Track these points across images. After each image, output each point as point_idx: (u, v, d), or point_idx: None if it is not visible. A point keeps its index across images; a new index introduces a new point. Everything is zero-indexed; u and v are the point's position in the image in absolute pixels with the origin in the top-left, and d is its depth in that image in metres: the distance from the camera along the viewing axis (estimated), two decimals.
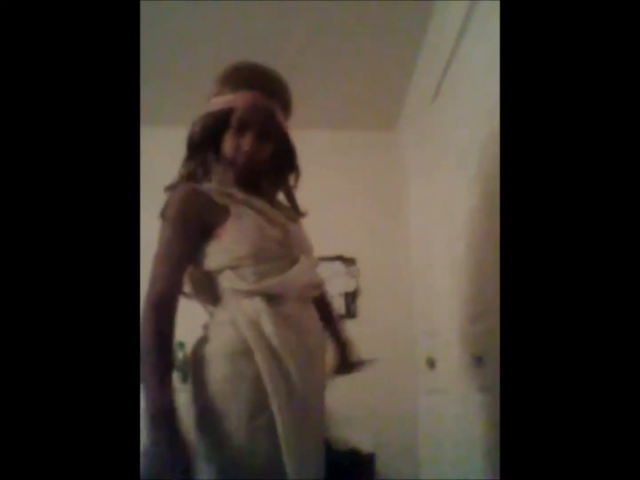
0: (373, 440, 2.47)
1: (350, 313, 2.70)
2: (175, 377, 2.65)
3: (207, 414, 0.93)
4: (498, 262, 0.72)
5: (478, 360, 1.35)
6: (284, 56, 2.27)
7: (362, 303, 2.72)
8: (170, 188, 1.03)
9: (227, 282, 0.99)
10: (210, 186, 1.02)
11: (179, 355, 2.57)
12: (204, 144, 1.03)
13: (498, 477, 0.69)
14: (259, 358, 0.92)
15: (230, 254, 0.97)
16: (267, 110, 1.00)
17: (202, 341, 1.00)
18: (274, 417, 0.90)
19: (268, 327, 0.94)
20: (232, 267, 0.98)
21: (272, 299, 0.97)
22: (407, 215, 2.66)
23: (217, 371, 0.95)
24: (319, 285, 1.10)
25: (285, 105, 1.05)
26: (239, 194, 1.02)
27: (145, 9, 1.26)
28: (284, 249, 1.01)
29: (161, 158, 2.74)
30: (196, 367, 0.97)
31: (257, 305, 0.96)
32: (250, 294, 0.97)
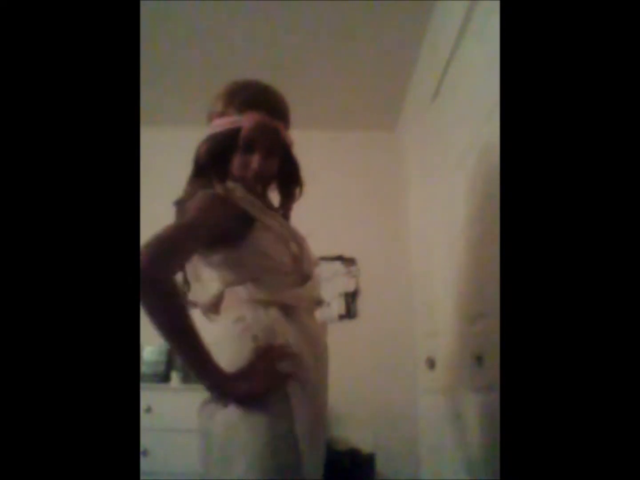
0: (373, 440, 2.48)
1: (350, 313, 2.70)
2: (175, 377, 2.64)
3: (230, 423, 0.93)
4: (498, 262, 0.72)
5: (478, 360, 1.35)
6: (284, 56, 2.28)
7: (362, 303, 2.72)
8: (178, 203, 1.02)
9: (245, 292, 1.00)
10: (238, 194, 1.00)
11: None
12: (211, 164, 1.03)
13: (498, 477, 0.69)
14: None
15: (253, 265, 0.99)
16: (273, 129, 1.03)
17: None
18: (293, 424, 0.91)
19: (285, 335, 0.96)
20: (253, 279, 0.99)
21: (286, 309, 1.00)
22: (407, 215, 2.66)
23: None
24: (321, 300, 1.14)
25: (287, 122, 1.09)
26: (263, 206, 1.03)
27: (145, 9, 1.26)
28: (296, 263, 1.04)
29: (161, 158, 2.75)
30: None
31: (273, 314, 0.98)
32: (267, 304, 0.98)
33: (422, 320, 2.33)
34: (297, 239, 1.07)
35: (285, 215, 1.16)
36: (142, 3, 0.99)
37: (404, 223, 2.70)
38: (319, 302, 1.13)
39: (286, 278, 1.02)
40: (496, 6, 1.12)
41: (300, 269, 1.05)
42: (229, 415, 0.93)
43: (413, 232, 2.56)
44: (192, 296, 1.07)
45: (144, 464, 2.02)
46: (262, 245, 0.99)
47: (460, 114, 1.60)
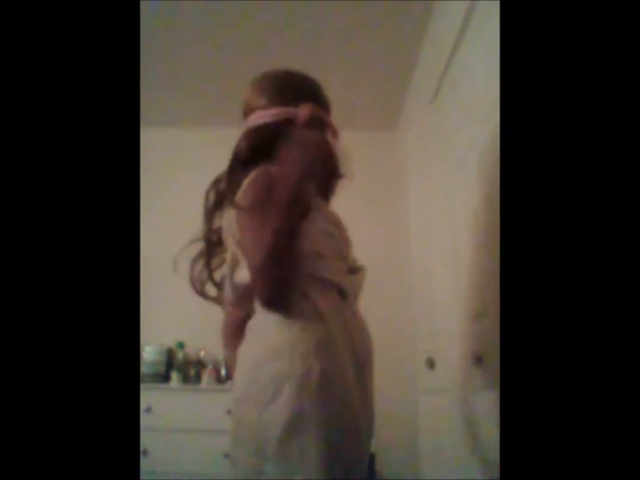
0: (373, 440, 2.48)
1: None
2: (176, 377, 2.63)
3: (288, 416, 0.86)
4: (498, 262, 0.72)
5: (478, 360, 1.35)
6: (284, 56, 2.28)
7: (362, 303, 2.72)
8: (216, 182, 1.03)
9: (309, 268, 0.94)
10: None
11: (179, 355, 2.57)
12: (254, 156, 1.00)
13: (498, 477, 0.69)
14: (341, 349, 0.90)
15: (317, 240, 0.95)
16: (324, 120, 1.04)
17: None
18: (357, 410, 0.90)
19: (347, 318, 0.94)
20: (316, 255, 0.95)
21: (344, 295, 0.97)
22: (407, 215, 2.66)
23: (297, 365, 0.87)
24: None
25: (330, 113, 1.09)
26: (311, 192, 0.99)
27: (145, 9, 1.26)
28: (350, 250, 1.03)
29: (161, 158, 2.75)
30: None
31: (334, 298, 0.95)
32: (328, 285, 0.94)
33: (422, 320, 2.33)
34: (343, 226, 1.05)
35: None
36: (142, 3, 0.99)
37: (404, 223, 2.70)
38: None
39: (342, 264, 1.00)
40: (496, 6, 1.12)
41: (350, 256, 1.03)
42: (279, 411, 0.85)
43: (413, 231, 2.56)
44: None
45: (144, 464, 2.02)
46: (320, 225, 0.96)
47: (460, 114, 1.60)
